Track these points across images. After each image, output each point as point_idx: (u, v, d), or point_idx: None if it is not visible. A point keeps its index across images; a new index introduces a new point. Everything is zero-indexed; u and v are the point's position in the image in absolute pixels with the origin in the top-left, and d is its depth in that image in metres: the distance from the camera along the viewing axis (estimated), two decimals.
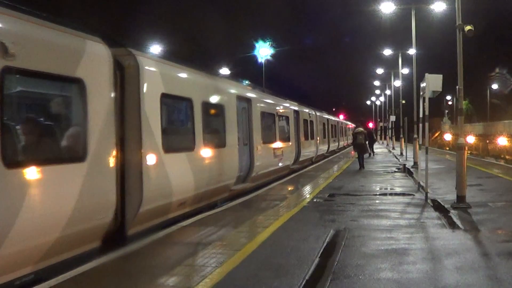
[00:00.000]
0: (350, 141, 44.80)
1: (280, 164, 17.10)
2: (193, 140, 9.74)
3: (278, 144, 16.86)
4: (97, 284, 5.61)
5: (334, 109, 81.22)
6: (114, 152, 7.17)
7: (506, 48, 54.41)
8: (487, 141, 37.54)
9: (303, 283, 5.38)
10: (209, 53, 59.98)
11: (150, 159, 7.95)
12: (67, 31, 6.47)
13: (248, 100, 13.91)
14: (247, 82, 17.98)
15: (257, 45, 50.30)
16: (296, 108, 21.26)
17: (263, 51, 49.06)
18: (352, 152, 24.44)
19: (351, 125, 53.78)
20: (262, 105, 15.42)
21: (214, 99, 11.29)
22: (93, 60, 6.78)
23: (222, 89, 11.99)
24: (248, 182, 13.34)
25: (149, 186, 7.75)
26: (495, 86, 61.36)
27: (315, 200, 11.53)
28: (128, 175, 7.53)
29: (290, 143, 19.10)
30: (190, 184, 9.41)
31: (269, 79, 47.86)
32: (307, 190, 13.39)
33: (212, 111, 11.26)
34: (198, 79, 10.68)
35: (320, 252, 6.60)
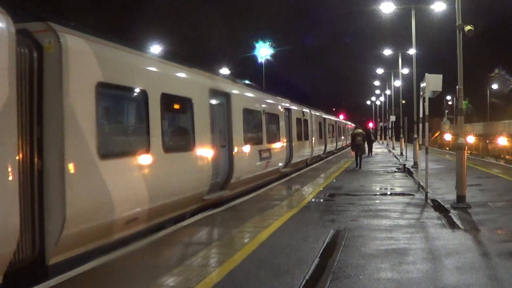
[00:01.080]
0: (349, 141, 44.68)
1: (268, 168, 15.33)
2: (148, 141, 8.00)
3: (265, 146, 15.16)
4: (97, 284, 5.61)
5: (334, 109, 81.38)
6: (17, 159, 5.48)
7: (506, 48, 54.40)
8: (487, 141, 37.49)
9: (303, 283, 5.38)
10: (209, 53, 60.03)
11: (78, 166, 6.25)
12: None
13: (227, 95, 12.08)
14: (247, 80, 17.01)
15: (257, 45, 50.40)
16: (287, 106, 19.56)
17: (263, 51, 49.18)
18: (352, 152, 24.57)
19: (351, 125, 53.74)
20: (244, 101, 13.67)
21: (178, 91, 9.51)
22: None
23: (191, 80, 10.27)
24: (227, 189, 11.62)
25: (75, 202, 6.13)
26: (495, 86, 61.40)
27: (315, 200, 11.53)
28: (45, 189, 5.94)
29: (280, 144, 17.41)
30: (142, 196, 7.69)
31: (269, 79, 47.97)
32: (306, 190, 13.38)
33: (176, 107, 9.70)
34: (156, 67, 8.92)
35: (320, 252, 6.60)
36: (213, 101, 11.23)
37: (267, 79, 45.02)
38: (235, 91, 12.85)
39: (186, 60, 11.47)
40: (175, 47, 46.33)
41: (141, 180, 7.71)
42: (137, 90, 8.10)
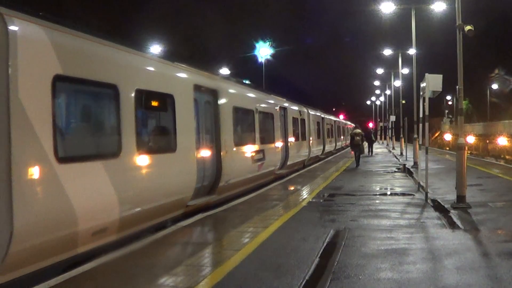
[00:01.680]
0: (348, 142, 44.61)
1: (261, 170, 14.49)
2: (119, 143, 7.18)
3: (258, 146, 14.28)
4: (97, 284, 5.60)
5: (334, 109, 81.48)
6: None
7: (506, 48, 54.43)
8: (487, 141, 37.53)
9: (303, 283, 5.38)
10: (209, 53, 60.03)
11: (29, 172, 5.52)
12: None
13: (214, 92, 11.13)
14: (247, 80, 16.82)
15: (257, 45, 50.41)
16: (283, 105, 18.68)
17: (263, 51, 49.18)
18: (352, 152, 24.79)
19: (350, 125, 53.68)
20: (234, 98, 12.72)
21: (156, 87, 8.63)
22: None
23: (172, 75, 9.44)
24: (215, 194, 10.84)
25: (25, 213, 5.40)
26: (495, 86, 61.49)
27: (314, 200, 11.52)
28: None
29: (275, 145, 16.53)
30: (112, 204, 6.89)
31: (270, 79, 47.98)
32: (306, 190, 13.38)
33: (154, 104, 8.78)
34: (130, 59, 8.04)
35: (320, 252, 6.60)
36: (199, 98, 10.36)
37: (267, 79, 45.10)
38: (224, 88, 12.00)
39: (187, 60, 11.23)
40: (175, 47, 46.37)
41: (110, 186, 6.86)
42: (105, 84, 7.13)
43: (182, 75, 9.91)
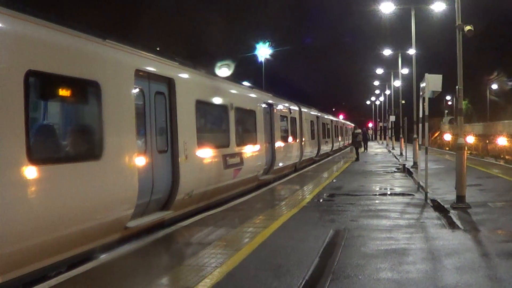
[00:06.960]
0: (347, 142, 45.01)
1: (238, 177, 12.40)
2: None
3: (233, 149, 12.21)
4: (97, 284, 5.61)
5: (334, 109, 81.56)
6: None
7: (506, 48, 54.50)
8: (487, 141, 37.53)
9: (303, 283, 5.38)
10: (210, 53, 60.00)
11: None
12: None
13: (169, 81, 9.02)
14: (247, 82, 16.42)
15: (257, 45, 50.38)
16: (268, 100, 16.44)
17: (263, 51, 49.14)
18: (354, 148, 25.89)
19: (349, 124, 53.72)
20: (198, 90, 10.46)
21: (66, 70, 6.31)
22: None
23: (95, 55, 6.96)
24: (170, 209, 8.82)
25: None
26: (494, 86, 61.69)
27: (314, 200, 11.53)
28: None
29: (258, 147, 14.35)
30: None
31: (270, 79, 48.00)
32: (306, 190, 13.38)
33: (63, 93, 6.57)
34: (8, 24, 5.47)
35: (320, 252, 6.60)
36: (146, 89, 8.29)
37: (267, 79, 45.11)
38: (183, 77, 9.72)
39: (186, 59, 10.59)
40: (175, 46, 46.39)
41: None
42: None
43: (116, 56, 7.51)
